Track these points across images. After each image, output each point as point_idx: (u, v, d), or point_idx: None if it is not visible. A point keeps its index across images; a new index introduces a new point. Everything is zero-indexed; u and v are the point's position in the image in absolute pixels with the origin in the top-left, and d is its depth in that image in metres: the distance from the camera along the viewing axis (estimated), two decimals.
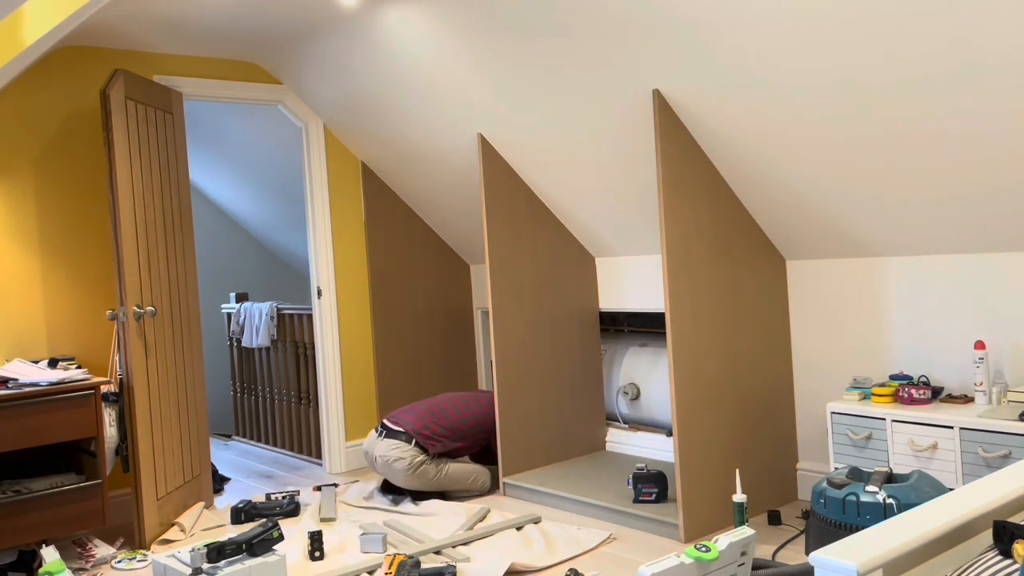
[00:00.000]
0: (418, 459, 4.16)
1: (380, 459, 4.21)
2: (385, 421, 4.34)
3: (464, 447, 4.36)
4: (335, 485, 4.53)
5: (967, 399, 3.29)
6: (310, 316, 5.21)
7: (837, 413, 3.44)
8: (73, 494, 3.59)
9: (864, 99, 2.94)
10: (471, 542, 3.62)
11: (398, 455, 4.15)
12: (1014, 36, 2.49)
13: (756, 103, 3.20)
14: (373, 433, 4.35)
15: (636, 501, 3.80)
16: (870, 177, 3.23)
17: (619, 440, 4.76)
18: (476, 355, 5.59)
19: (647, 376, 4.63)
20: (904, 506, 2.73)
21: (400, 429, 4.23)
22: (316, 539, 3.51)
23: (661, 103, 3.40)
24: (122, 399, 3.83)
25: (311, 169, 4.98)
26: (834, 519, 2.85)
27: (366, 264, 5.16)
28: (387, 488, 4.43)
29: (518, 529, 3.74)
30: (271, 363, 5.69)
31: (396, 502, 4.22)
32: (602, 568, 3.31)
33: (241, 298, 6.01)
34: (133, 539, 3.95)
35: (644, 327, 4.88)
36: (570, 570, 3.20)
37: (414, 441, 4.19)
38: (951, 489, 2.86)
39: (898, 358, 3.58)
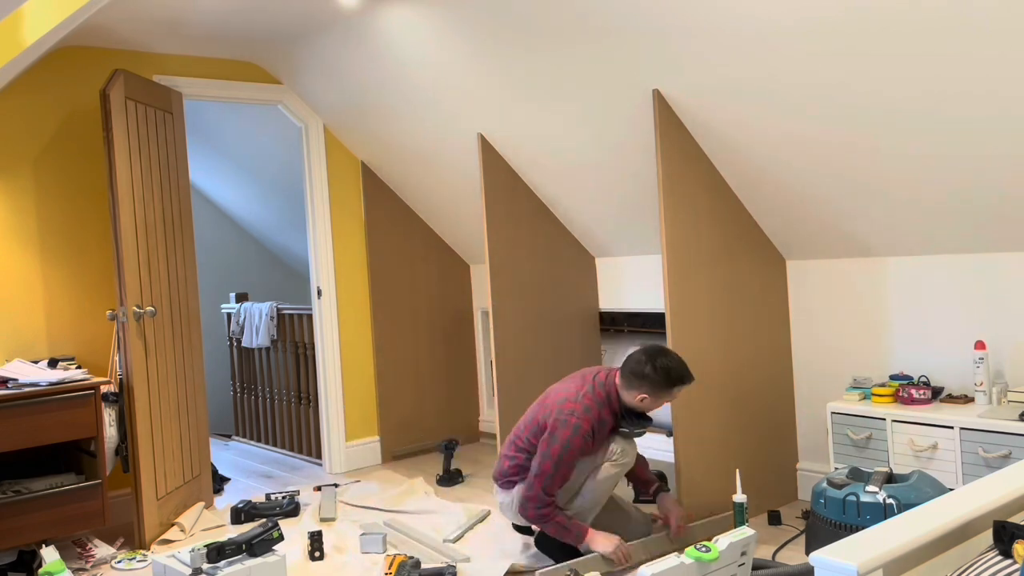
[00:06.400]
0: (512, 495, 3.33)
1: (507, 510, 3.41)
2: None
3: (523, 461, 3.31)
4: (335, 485, 4.53)
5: (967, 399, 3.29)
6: (310, 316, 5.21)
7: (837, 413, 3.44)
8: (73, 494, 3.59)
9: (864, 99, 2.94)
10: (471, 542, 3.61)
11: (500, 500, 3.40)
12: (1015, 39, 2.49)
13: (756, 103, 3.20)
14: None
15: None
16: (870, 177, 3.23)
17: None
18: (476, 355, 5.59)
19: None
20: (904, 506, 2.73)
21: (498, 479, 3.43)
22: (316, 539, 3.51)
23: (661, 103, 3.40)
24: (122, 399, 3.83)
25: (311, 169, 4.98)
26: (834, 519, 2.85)
27: (366, 264, 5.16)
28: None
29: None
30: (271, 363, 5.69)
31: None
32: (602, 568, 3.30)
33: (241, 298, 6.01)
34: (133, 539, 3.94)
35: (644, 327, 4.88)
36: (570, 570, 3.20)
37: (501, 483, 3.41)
38: (951, 489, 2.86)
39: (898, 358, 3.58)
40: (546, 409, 3.25)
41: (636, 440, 3.37)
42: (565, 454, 3.08)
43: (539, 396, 3.45)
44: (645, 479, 3.50)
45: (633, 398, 3.17)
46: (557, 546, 3.30)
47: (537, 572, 3.05)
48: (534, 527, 3.59)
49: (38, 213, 4.11)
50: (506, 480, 3.33)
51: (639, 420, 3.26)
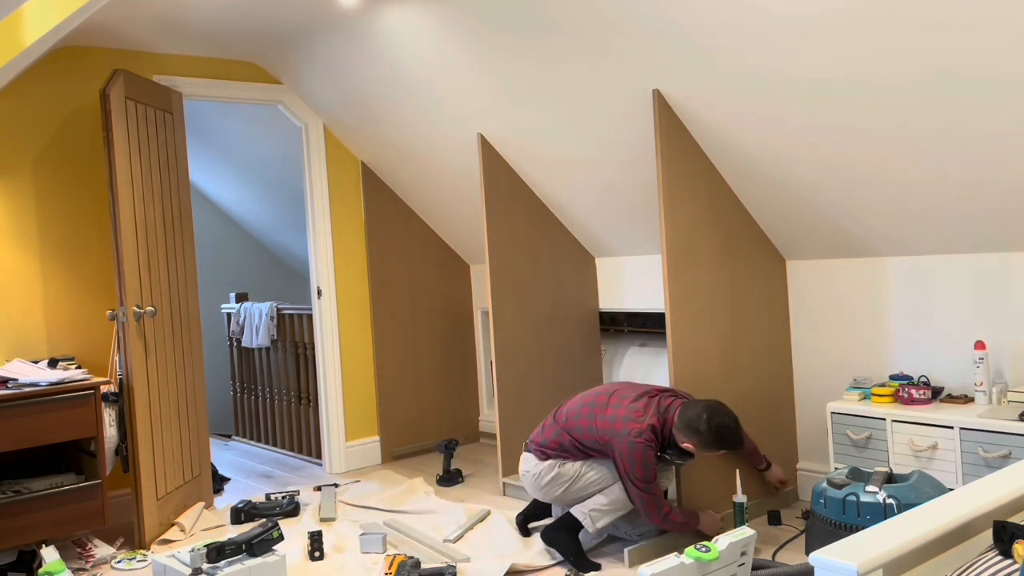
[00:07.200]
0: (540, 467, 3.43)
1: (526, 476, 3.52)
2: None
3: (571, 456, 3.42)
4: (335, 485, 4.53)
5: (967, 399, 3.29)
6: (310, 316, 5.21)
7: (837, 413, 3.44)
8: (73, 494, 3.59)
9: (864, 99, 2.94)
10: (471, 542, 3.61)
11: (526, 468, 3.50)
12: (1013, 38, 2.49)
13: (756, 103, 3.20)
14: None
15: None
16: (870, 177, 3.23)
17: None
18: (476, 355, 5.59)
19: (647, 376, 4.63)
20: (904, 506, 2.73)
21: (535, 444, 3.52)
22: (316, 539, 3.51)
23: (661, 103, 3.40)
24: (122, 399, 3.83)
25: (311, 169, 4.98)
26: (834, 519, 2.85)
27: (366, 264, 5.16)
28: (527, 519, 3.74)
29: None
30: (271, 363, 5.69)
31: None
32: (602, 567, 3.30)
33: (241, 298, 6.01)
34: (133, 539, 3.94)
35: (644, 327, 4.88)
36: (571, 569, 3.20)
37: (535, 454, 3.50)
38: (951, 489, 2.86)
39: (898, 358, 3.58)
40: (608, 422, 3.32)
41: None
42: (648, 470, 3.23)
43: (600, 388, 3.50)
44: (756, 456, 3.69)
45: (680, 441, 3.26)
46: (566, 543, 3.34)
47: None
48: (529, 525, 3.62)
49: (38, 213, 4.11)
50: (541, 449, 3.44)
51: (683, 454, 3.32)
